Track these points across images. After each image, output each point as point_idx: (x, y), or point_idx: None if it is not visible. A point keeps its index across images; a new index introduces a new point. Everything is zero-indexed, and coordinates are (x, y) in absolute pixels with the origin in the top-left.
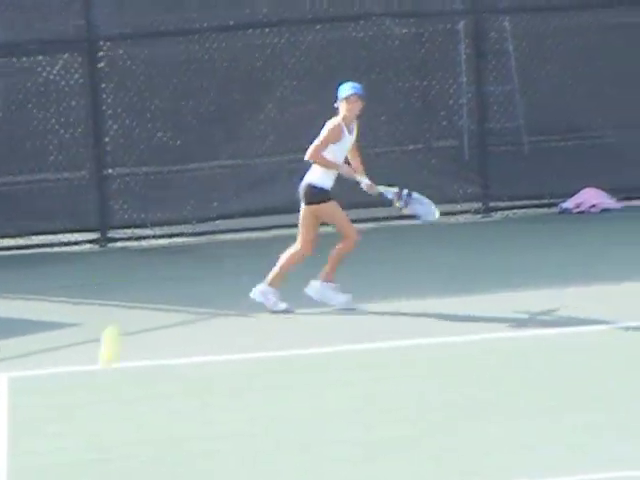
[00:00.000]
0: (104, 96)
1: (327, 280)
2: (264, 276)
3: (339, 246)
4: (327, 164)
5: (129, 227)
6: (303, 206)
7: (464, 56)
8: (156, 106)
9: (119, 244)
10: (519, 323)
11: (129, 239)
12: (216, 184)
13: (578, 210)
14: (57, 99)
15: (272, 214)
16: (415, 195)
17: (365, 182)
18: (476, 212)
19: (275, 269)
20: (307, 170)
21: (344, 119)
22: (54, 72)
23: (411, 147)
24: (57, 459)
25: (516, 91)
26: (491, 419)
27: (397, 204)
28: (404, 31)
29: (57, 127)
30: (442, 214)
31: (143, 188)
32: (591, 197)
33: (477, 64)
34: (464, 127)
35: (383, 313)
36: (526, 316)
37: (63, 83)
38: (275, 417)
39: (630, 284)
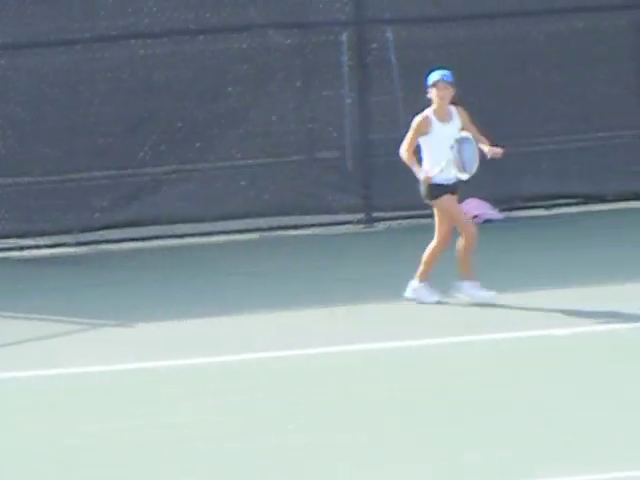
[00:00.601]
0: None
1: (466, 278)
2: (148, 286)
3: (461, 243)
4: (407, 161)
5: (11, 237)
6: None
7: (347, 67)
8: (38, 117)
9: (1, 254)
10: (409, 333)
11: (11, 249)
12: (99, 194)
13: None
14: None
15: (155, 224)
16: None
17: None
18: (358, 223)
19: (421, 266)
20: (191, 181)
21: (435, 108)
22: None
23: (294, 158)
24: None
25: (399, 102)
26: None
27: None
28: (287, 42)
29: None
30: (323, 225)
31: (25, 198)
32: (474, 207)
33: (360, 75)
34: (347, 138)
35: (257, 324)
36: (416, 326)
37: None
38: (155, 427)
39: (519, 293)
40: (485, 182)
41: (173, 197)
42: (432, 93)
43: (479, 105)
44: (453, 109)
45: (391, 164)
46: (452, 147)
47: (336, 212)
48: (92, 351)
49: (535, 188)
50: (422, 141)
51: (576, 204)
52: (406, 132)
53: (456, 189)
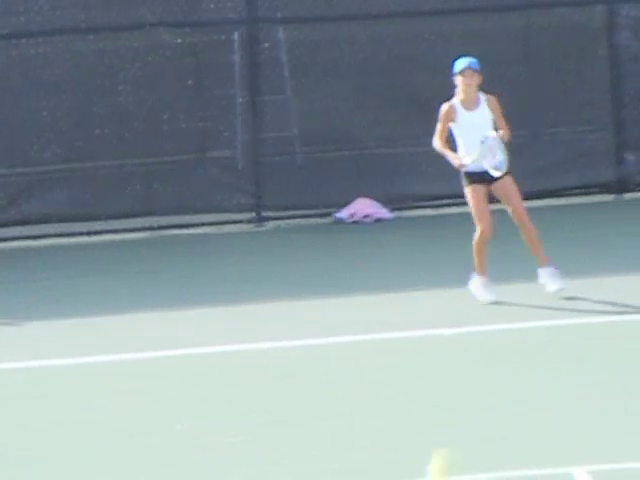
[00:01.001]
0: None
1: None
2: (38, 284)
3: (476, 236)
4: (439, 150)
5: None
6: None
7: (238, 66)
8: None
9: None
10: (298, 333)
11: None
12: None
13: (352, 220)
14: None
15: (45, 223)
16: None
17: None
18: (249, 222)
19: (534, 249)
20: (81, 180)
21: (461, 96)
22: None
23: (185, 157)
24: None
25: (290, 101)
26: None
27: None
28: (178, 41)
29: None
30: (214, 224)
31: None
32: (364, 207)
33: (251, 74)
34: (238, 137)
35: (147, 323)
36: (306, 326)
37: None
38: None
39: (409, 293)
40: (375, 182)
41: (63, 195)
42: (458, 81)
43: (370, 105)
44: (482, 96)
45: (281, 163)
46: (482, 142)
47: (227, 211)
48: None
49: (423, 189)
50: (453, 128)
51: (462, 204)
52: (296, 131)
53: (488, 179)
